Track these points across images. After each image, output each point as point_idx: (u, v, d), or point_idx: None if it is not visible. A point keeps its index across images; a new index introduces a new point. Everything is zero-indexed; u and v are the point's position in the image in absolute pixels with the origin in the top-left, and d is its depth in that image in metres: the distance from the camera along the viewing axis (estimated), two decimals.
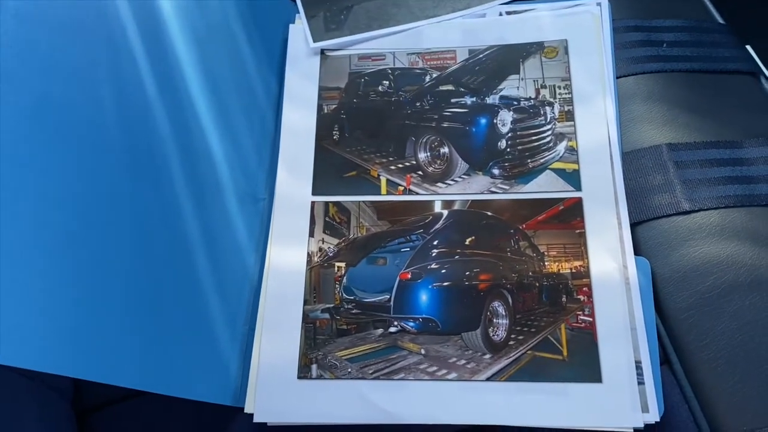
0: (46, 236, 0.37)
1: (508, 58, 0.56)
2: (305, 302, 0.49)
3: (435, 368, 0.46)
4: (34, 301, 0.35)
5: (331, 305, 0.49)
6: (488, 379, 0.45)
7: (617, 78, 0.55)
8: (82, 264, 0.39)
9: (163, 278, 0.44)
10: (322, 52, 0.58)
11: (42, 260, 0.36)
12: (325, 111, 0.56)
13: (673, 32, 0.57)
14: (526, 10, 0.58)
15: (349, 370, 0.46)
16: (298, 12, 0.60)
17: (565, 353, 0.46)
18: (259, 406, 0.46)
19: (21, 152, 0.37)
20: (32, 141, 0.38)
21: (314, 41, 0.58)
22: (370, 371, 0.46)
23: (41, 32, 0.40)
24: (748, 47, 0.60)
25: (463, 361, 0.46)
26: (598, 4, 0.57)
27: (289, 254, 0.51)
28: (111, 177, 0.42)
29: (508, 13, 0.58)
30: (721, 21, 0.61)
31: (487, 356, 0.46)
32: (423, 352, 0.47)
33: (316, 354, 0.47)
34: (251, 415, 0.46)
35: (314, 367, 0.47)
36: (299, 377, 0.47)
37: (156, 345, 0.42)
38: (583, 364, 0.45)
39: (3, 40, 0.37)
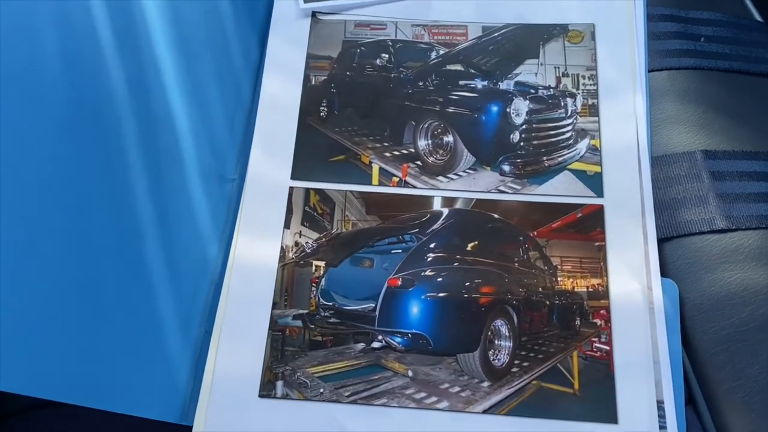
0: None
1: (526, 40, 0.49)
2: (274, 306, 0.42)
3: (423, 394, 0.39)
4: None
5: (305, 311, 0.42)
6: (485, 412, 0.39)
7: (649, 72, 0.48)
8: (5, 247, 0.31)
9: (101, 265, 0.37)
10: (313, 14, 0.51)
11: None
12: (313, 83, 0.48)
13: (711, 26, 0.51)
14: None
15: (322, 390, 0.39)
16: None
17: (576, 386, 0.39)
18: (210, 426, 0.39)
19: None
20: None
21: (305, 1, 0.50)
22: (347, 393, 0.39)
23: None
24: None
25: (456, 388, 0.39)
26: None
27: (258, 247, 0.43)
28: (44, 137, 0.35)
29: None
30: (760, 19, 0.55)
31: (486, 384, 0.39)
32: (410, 374, 0.40)
33: (284, 369, 0.40)
34: None
35: (280, 384, 0.40)
36: (261, 395, 0.39)
37: (86, 347, 0.36)
38: (596, 400, 0.39)
39: None
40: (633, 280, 0.42)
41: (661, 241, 0.43)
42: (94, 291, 0.36)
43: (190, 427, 0.39)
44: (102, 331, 0.36)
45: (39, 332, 0.33)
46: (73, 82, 0.36)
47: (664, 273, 0.43)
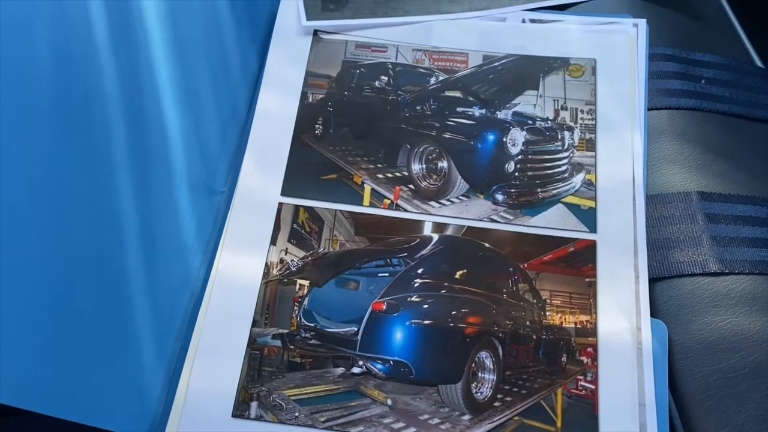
0: None
1: (527, 71, 0.49)
2: (254, 323, 0.41)
3: (402, 425, 0.38)
4: None
5: (286, 331, 0.41)
6: None
7: (648, 110, 0.48)
8: None
9: (79, 271, 0.36)
10: (315, 33, 0.51)
11: None
12: (310, 100, 0.48)
13: (712, 69, 0.51)
14: (552, 21, 0.51)
15: (297, 414, 0.38)
16: None
17: (558, 425, 0.38)
18: None
19: None
20: None
21: (308, 19, 0.50)
22: (323, 419, 0.38)
23: None
24: None
25: (436, 420, 0.38)
26: (635, 24, 0.50)
27: (242, 262, 0.42)
28: (29, 132, 0.34)
29: (533, 21, 0.51)
30: (761, 65, 0.55)
31: (466, 417, 0.38)
32: (390, 402, 0.39)
33: (259, 389, 0.39)
34: None
35: (254, 404, 0.39)
36: (234, 415, 0.38)
37: (57, 355, 0.34)
38: None
39: None
40: (622, 319, 0.41)
41: (653, 281, 0.43)
42: (68, 297, 0.35)
43: None
44: (74, 339, 0.35)
45: (9, 337, 0.32)
46: (65, 81, 0.36)
47: (654, 314, 0.42)
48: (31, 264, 0.33)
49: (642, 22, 0.50)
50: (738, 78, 0.52)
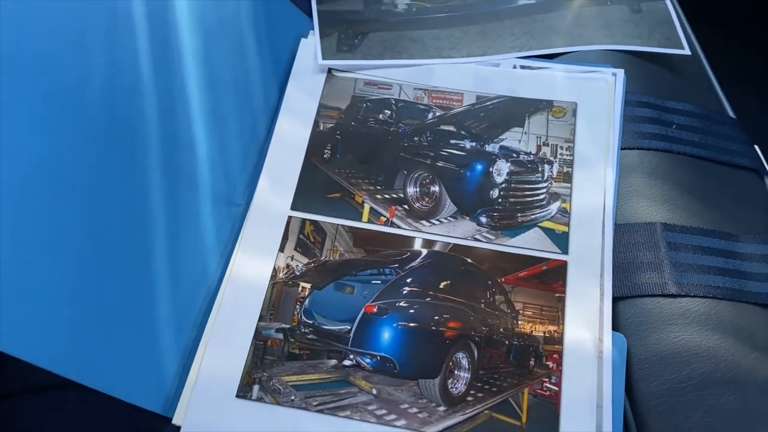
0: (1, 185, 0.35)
1: (515, 111, 0.55)
2: (261, 318, 0.46)
3: (384, 411, 0.43)
4: None
5: (288, 326, 0.46)
6: None
7: (621, 149, 0.53)
8: (31, 222, 0.36)
9: (114, 263, 0.41)
10: (329, 70, 0.57)
11: None
12: (321, 128, 0.54)
13: (684, 116, 0.57)
14: (540, 68, 0.57)
15: (293, 398, 0.43)
16: (313, 28, 0.59)
17: (524, 419, 0.43)
18: (189, 418, 0.42)
19: None
20: (11, 89, 0.36)
21: (323, 59, 0.57)
22: (315, 402, 0.43)
23: None
24: (756, 147, 0.59)
25: (415, 410, 0.43)
26: (614, 74, 0.56)
27: (254, 265, 0.48)
28: (85, 143, 0.40)
29: (523, 67, 0.57)
30: (732, 116, 0.60)
31: (442, 408, 0.43)
32: (375, 392, 0.43)
33: (261, 375, 0.44)
34: (178, 429, 0.42)
35: (256, 387, 0.44)
36: (238, 395, 0.43)
37: (90, 332, 0.39)
38: None
39: None
40: (586, 331, 0.45)
41: (617, 299, 0.47)
42: (105, 286, 0.40)
43: (170, 419, 0.43)
44: (105, 320, 0.40)
45: (52, 312, 0.37)
46: (112, 104, 0.42)
47: (615, 327, 0.46)
48: (74, 252, 0.39)
49: (620, 72, 0.56)
50: (708, 125, 0.57)
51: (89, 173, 0.41)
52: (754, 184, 0.56)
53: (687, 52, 0.59)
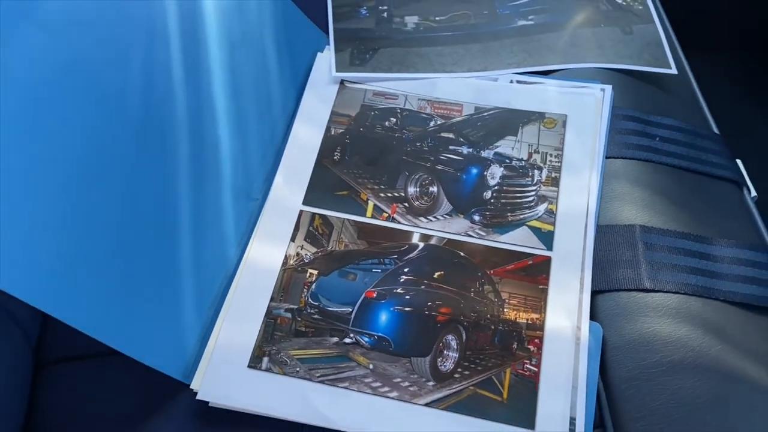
0: (50, 174, 0.40)
1: (509, 121, 0.60)
2: (272, 299, 0.51)
3: (379, 384, 0.47)
4: (23, 228, 0.38)
5: (296, 306, 0.51)
6: (427, 405, 0.46)
7: (606, 157, 0.58)
8: (77, 206, 0.42)
9: (147, 242, 0.47)
10: (342, 82, 0.63)
11: (42, 194, 0.40)
12: (332, 133, 0.60)
13: (668, 129, 0.61)
14: (535, 83, 0.62)
15: (298, 369, 0.48)
16: (329, 43, 0.65)
17: (505, 395, 0.47)
18: (205, 385, 0.47)
19: (48, 98, 0.41)
20: (61, 90, 0.42)
21: (336, 71, 0.62)
22: (317, 374, 0.48)
23: (86, 0, 0.44)
24: (738, 161, 0.63)
25: (406, 384, 0.47)
26: (602, 89, 0.61)
27: (267, 252, 0.53)
28: (122, 139, 0.46)
29: (519, 82, 0.62)
30: (716, 131, 0.65)
31: (431, 383, 0.47)
32: (371, 367, 0.48)
33: (270, 348, 0.49)
34: (195, 394, 0.47)
35: (266, 359, 0.49)
36: (249, 366, 0.48)
37: (123, 301, 0.44)
38: (519, 409, 0.46)
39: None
40: (566, 319, 0.50)
41: (595, 293, 0.51)
42: (137, 260, 0.45)
43: (188, 386, 0.48)
44: (137, 292, 0.45)
45: (90, 279, 0.42)
46: (148, 108, 0.48)
47: (593, 317, 0.50)
48: (112, 230, 0.44)
49: (608, 88, 0.61)
50: (691, 139, 0.61)
51: (126, 168, 0.46)
52: (734, 195, 0.60)
53: (674, 71, 0.64)
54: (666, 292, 0.51)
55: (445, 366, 0.48)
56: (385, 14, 0.67)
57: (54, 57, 0.41)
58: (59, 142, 0.41)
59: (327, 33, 0.66)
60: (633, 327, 0.50)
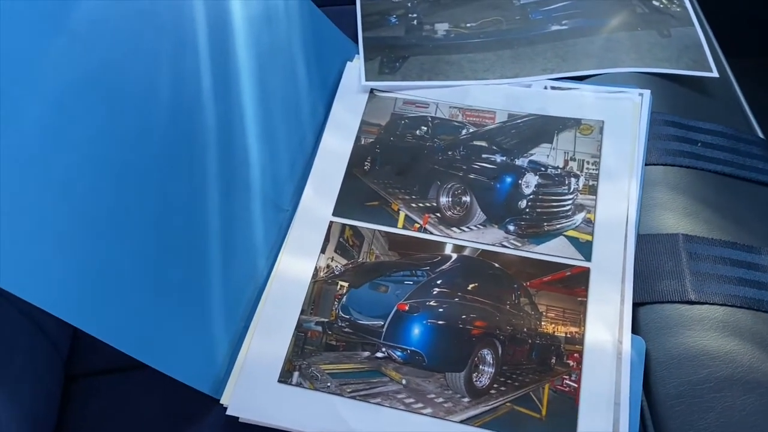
0: (78, 186, 0.40)
1: (544, 128, 0.58)
2: (302, 312, 0.50)
3: (412, 400, 0.46)
4: (51, 241, 0.38)
5: (326, 320, 0.50)
6: (462, 422, 0.45)
7: (646, 165, 0.56)
8: (106, 218, 0.41)
9: (176, 255, 0.46)
10: (371, 91, 0.62)
11: (70, 206, 0.39)
12: (362, 142, 0.59)
13: (710, 135, 0.59)
14: (570, 88, 0.60)
15: (329, 384, 0.47)
16: (358, 53, 0.64)
17: (543, 413, 0.45)
18: (235, 400, 0.46)
19: (76, 107, 0.41)
20: (90, 99, 0.42)
21: (366, 80, 0.62)
22: (349, 389, 0.47)
23: (116, 10, 0.44)
24: None
25: (441, 399, 0.46)
26: (641, 94, 0.59)
27: (297, 264, 0.52)
28: (152, 150, 0.46)
29: (553, 88, 0.61)
30: (762, 136, 0.62)
31: (466, 399, 0.46)
32: (404, 382, 0.47)
33: (301, 362, 0.48)
34: (225, 409, 0.46)
35: (296, 374, 0.48)
36: (279, 380, 0.47)
37: (153, 315, 0.44)
38: (559, 426, 0.44)
39: (83, 7, 0.41)
40: (606, 333, 0.48)
41: (637, 305, 0.49)
42: (167, 273, 0.45)
43: (218, 400, 0.47)
44: (166, 306, 0.45)
45: (121, 293, 0.42)
46: (178, 118, 0.47)
47: (635, 331, 0.48)
48: (143, 242, 0.43)
49: (646, 92, 0.59)
50: (734, 144, 0.59)
51: (155, 178, 0.46)
52: None
53: (715, 74, 0.62)
54: (712, 304, 0.49)
55: (480, 381, 0.47)
56: (414, 22, 0.66)
57: (83, 66, 0.41)
58: (87, 151, 0.41)
59: (356, 42, 0.65)
60: (677, 341, 0.48)
